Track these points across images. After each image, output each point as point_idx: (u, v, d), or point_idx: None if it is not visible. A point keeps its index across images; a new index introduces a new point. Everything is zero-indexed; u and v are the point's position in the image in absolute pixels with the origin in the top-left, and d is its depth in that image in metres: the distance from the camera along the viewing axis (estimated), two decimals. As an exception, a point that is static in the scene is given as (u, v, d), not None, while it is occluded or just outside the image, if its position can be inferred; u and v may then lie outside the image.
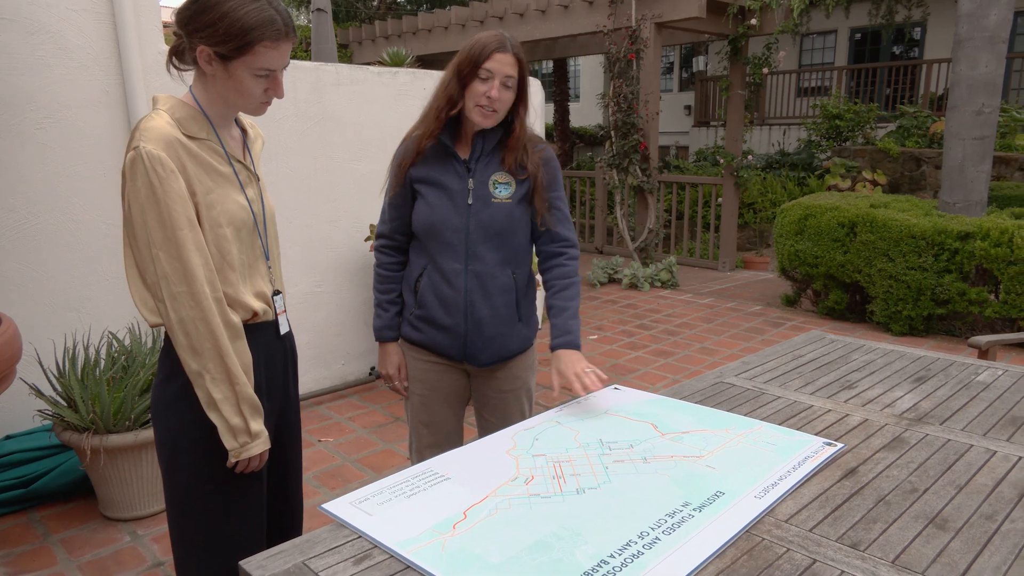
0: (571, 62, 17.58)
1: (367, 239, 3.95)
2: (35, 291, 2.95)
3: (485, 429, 2.06)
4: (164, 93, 1.47)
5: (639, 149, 6.42)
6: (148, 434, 2.55)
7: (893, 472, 1.43)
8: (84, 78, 3.00)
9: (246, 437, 1.42)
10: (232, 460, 1.43)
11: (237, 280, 1.46)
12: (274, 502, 1.64)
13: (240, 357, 1.42)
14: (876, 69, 13.38)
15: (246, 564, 1.13)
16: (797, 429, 1.64)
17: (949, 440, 1.58)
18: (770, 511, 1.27)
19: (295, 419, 1.68)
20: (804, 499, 1.33)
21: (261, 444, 1.45)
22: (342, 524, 1.24)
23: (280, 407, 1.61)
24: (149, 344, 2.79)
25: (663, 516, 1.24)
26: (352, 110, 3.93)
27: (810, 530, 1.22)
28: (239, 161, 1.50)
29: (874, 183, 9.92)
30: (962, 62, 5.08)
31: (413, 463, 2.03)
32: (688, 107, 15.95)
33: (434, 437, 1.98)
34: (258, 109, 1.48)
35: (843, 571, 1.10)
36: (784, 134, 12.95)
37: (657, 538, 1.17)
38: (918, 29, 13.89)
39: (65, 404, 2.55)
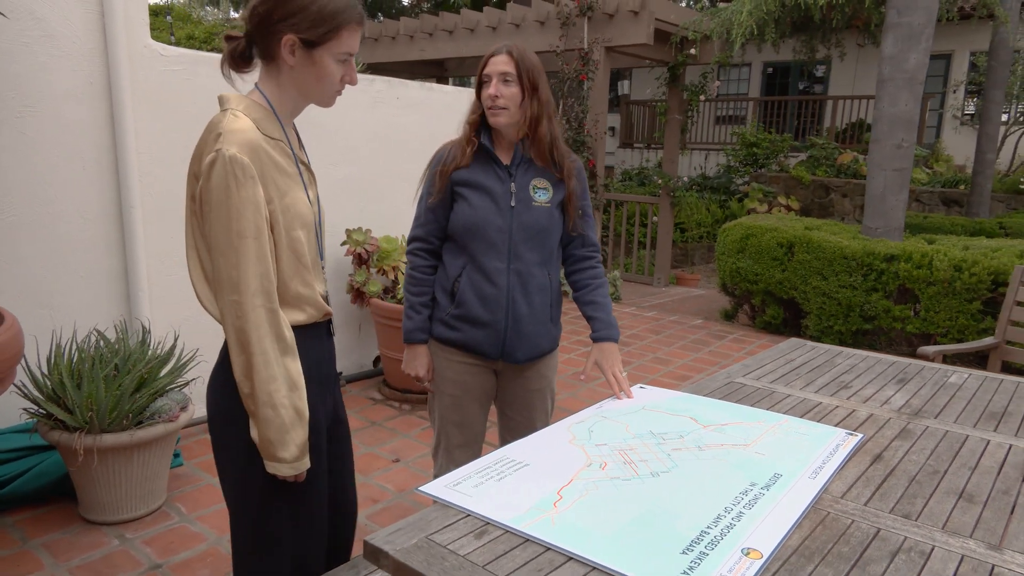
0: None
1: (343, 243, 3.95)
2: (8, 285, 2.81)
3: (508, 428, 2.15)
4: (232, 92, 1.44)
5: (588, 167, 6.65)
6: (143, 434, 2.49)
7: (913, 457, 1.62)
8: (68, 67, 2.89)
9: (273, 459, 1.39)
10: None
11: (312, 280, 1.48)
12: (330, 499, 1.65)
13: (289, 371, 1.37)
14: (786, 102, 14.31)
15: (372, 539, 1.18)
16: (817, 422, 1.81)
17: (948, 431, 1.79)
18: (825, 489, 1.43)
19: (344, 416, 1.70)
20: (848, 480, 1.49)
21: (287, 468, 1.40)
22: (446, 504, 1.31)
23: (333, 403, 1.63)
24: (137, 340, 2.71)
25: (738, 494, 1.37)
26: (330, 115, 3.93)
27: (864, 504, 1.38)
28: (303, 163, 1.51)
29: (788, 208, 10.62)
30: (884, 100, 5.57)
31: (439, 463, 2.09)
32: (612, 128, 16.51)
33: (464, 437, 2.05)
34: (332, 99, 1.49)
35: (906, 537, 1.26)
36: (705, 159, 13.63)
37: (741, 512, 1.30)
38: (822, 67, 14.94)
39: (55, 403, 2.44)
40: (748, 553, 1.16)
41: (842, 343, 5.29)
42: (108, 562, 2.36)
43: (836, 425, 1.80)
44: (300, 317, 1.45)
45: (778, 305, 5.65)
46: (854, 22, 7.38)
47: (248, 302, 1.32)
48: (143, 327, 2.84)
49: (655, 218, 8.03)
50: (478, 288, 1.91)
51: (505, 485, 1.38)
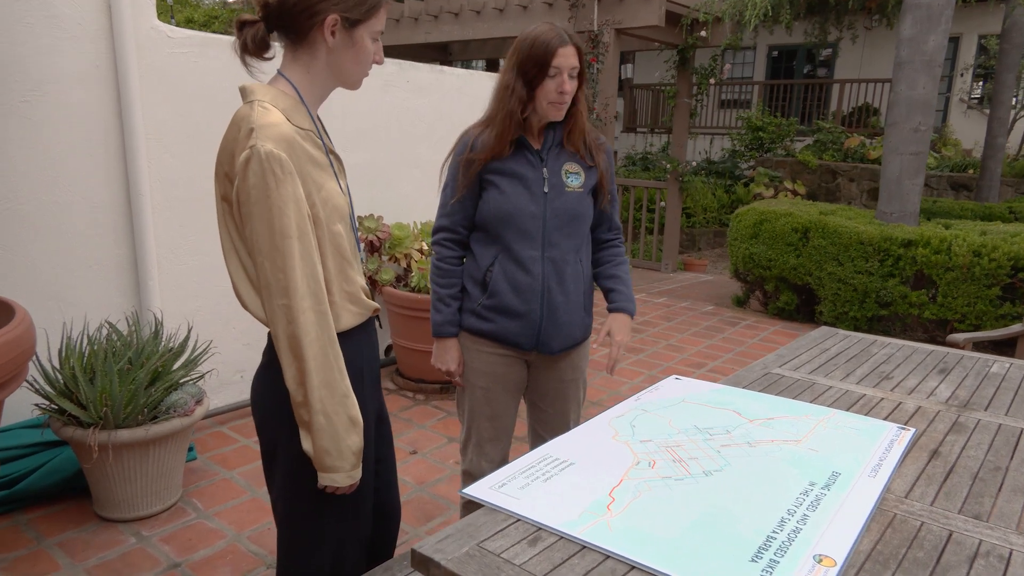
0: (501, 62, 17.65)
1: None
2: (15, 278, 2.73)
3: (540, 420, 2.08)
4: (254, 82, 1.34)
5: (596, 151, 6.55)
6: (159, 429, 2.42)
7: (971, 453, 1.55)
8: (74, 50, 2.80)
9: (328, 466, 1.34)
10: (320, 484, 1.35)
11: (355, 275, 1.41)
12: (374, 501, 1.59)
13: (342, 376, 1.31)
14: (792, 85, 14.18)
15: (421, 548, 1.11)
16: (865, 415, 1.74)
17: (1001, 424, 1.72)
18: (887, 489, 1.36)
19: (386, 414, 1.65)
20: (909, 478, 1.42)
21: (343, 478, 1.35)
22: (494, 508, 1.24)
23: (379, 399, 1.58)
24: (150, 332, 2.63)
25: (799, 495, 1.30)
26: (340, 99, 3.83)
27: (931, 505, 1.31)
28: (332, 152, 1.43)
29: (794, 193, 10.52)
30: (902, 83, 5.46)
31: (469, 459, 2.02)
32: (616, 113, 16.36)
33: (495, 430, 1.98)
34: (361, 81, 1.43)
35: (981, 540, 1.19)
36: (710, 143, 13.50)
37: (806, 514, 1.23)
38: (828, 51, 14.77)
39: (67, 398, 2.37)
40: (821, 560, 1.10)
41: (857, 329, 5.23)
42: (126, 561, 2.30)
43: (885, 419, 1.73)
44: (349, 319, 1.38)
45: (791, 291, 5.58)
46: (867, 3, 7.25)
47: (297, 305, 1.24)
48: (155, 318, 2.76)
49: (662, 203, 7.93)
50: (512, 277, 1.84)
51: (553, 486, 1.31)
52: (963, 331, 4.82)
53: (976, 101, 13.14)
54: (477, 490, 1.30)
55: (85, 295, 2.93)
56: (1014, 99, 10.37)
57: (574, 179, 1.88)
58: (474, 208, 1.89)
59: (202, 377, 2.72)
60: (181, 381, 2.59)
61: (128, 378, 2.38)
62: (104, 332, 2.59)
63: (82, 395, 2.33)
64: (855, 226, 5.14)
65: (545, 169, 1.86)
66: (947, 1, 5.25)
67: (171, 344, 2.62)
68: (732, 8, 6.21)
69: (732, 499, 1.28)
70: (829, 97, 13.64)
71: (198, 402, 2.59)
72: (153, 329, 2.65)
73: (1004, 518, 1.27)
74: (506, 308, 1.86)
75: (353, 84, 1.43)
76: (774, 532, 1.17)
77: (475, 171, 1.84)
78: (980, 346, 4.96)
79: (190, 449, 2.94)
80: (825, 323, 5.38)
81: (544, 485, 1.32)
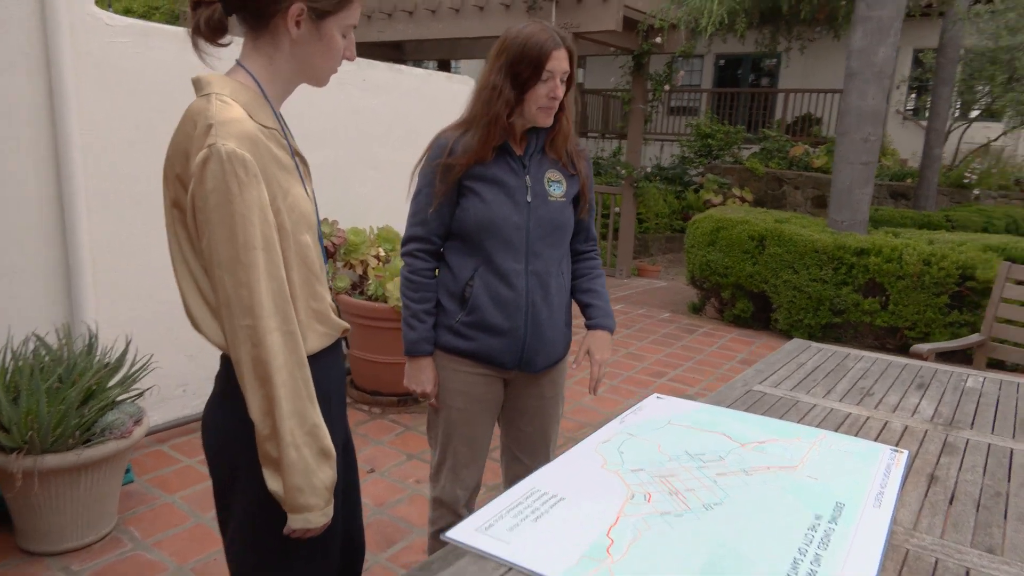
0: (453, 63, 17.47)
1: (307, 235, 3.68)
2: (-73, 284, 2.47)
3: (517, 440, 1.96)
4: (209, 72, 1.18)
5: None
6: (92, 453, 2.21)
7: (968, 477, 1.50)
8: (0, 34, 2.55)
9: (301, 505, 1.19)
10: (289, 528, 1.19)
11: (323, 291, 1.27)
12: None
13: (314, 403, 1.18)
14: (738, 94, 14.44)
15: (405, 608, 0.98)
16: (854, 436, 1.68)
17: (991, 444, 1.68)
18: (894, 520, 1.29)
19: (351, 437, 1.52)
20: (913, 507, 1.36)
21: (318, 517, 1.19)
22: (481, 555, 1.11)
23: (345, 425, 1.44)
24: (83, 346, 2.41)
25: (807, 531, 1.21)
26: (296, 97, 3.64)
27: (941, 538, 1.24)
28: (298, 153, 1.29)
29: (742, 200, 10.69)
30: (853, 93, 5.55)
31: (442, 484, 1.88)
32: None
33: (472, 453, 1.85)
34: (328, 78, 1.29)
35: (1000, 578, 1.13)
36: (661, 149, 13.63)
37: (818, 553, 1.14)
38: (772, 60, 15.10)
39: (-14, 419, 2.14)
40: (844, 609, 1.01)
41: (811, 337, 5.28)
42: (53, 599, 2.09)
43: (875, 439, 1.67)
44: (317, 341, 1.24)
45: (747, 298, 5.60)
46: (817, 15, 7.39)
47: (264, 326, 1.09)
48: (89, 330, 2.53)
49: (617, 209, 7.92)
50: (494, 292, 1.71)
51: (544, 526, 1.20)
52: (913, 338, 4.91)
53: (911, 112, 13.61)
54: (461, 533, 1.17)
55: (9, 304, 2.67)
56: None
57: (556, 187, 1.78)
58: (451, 216, 1.76)
59: (141, 395, 2.51)
60: (118, 399, 2.37)
61: (58, 397, 2.16)
62: (31, 346, 2.36)
63: (4, 416, 2.10)
64: (810, 234, 5.19)
65: (528, 177, 1.74)
66: (896, 14, 5.36)
67: (107, 359, 2.41)
68: (688, 15, 6.22)
69: (738, 537, 1.18)
70: (774, 106, 13.93)
71: (137, 422, 2.39)
72: (87, 342, 2.42)
73: (1018, 551, 1.21)
74: (488, 325, 1.73)
75: (320, 81, 1.30)
76: (789, 575, 1.08)
77: (455, 177, 1.71)
78: (945, 356, 5.06)
79: (127, 471, 2.72)
80: (780, 330, 5.42)
81: (535, 525, 1.20)
